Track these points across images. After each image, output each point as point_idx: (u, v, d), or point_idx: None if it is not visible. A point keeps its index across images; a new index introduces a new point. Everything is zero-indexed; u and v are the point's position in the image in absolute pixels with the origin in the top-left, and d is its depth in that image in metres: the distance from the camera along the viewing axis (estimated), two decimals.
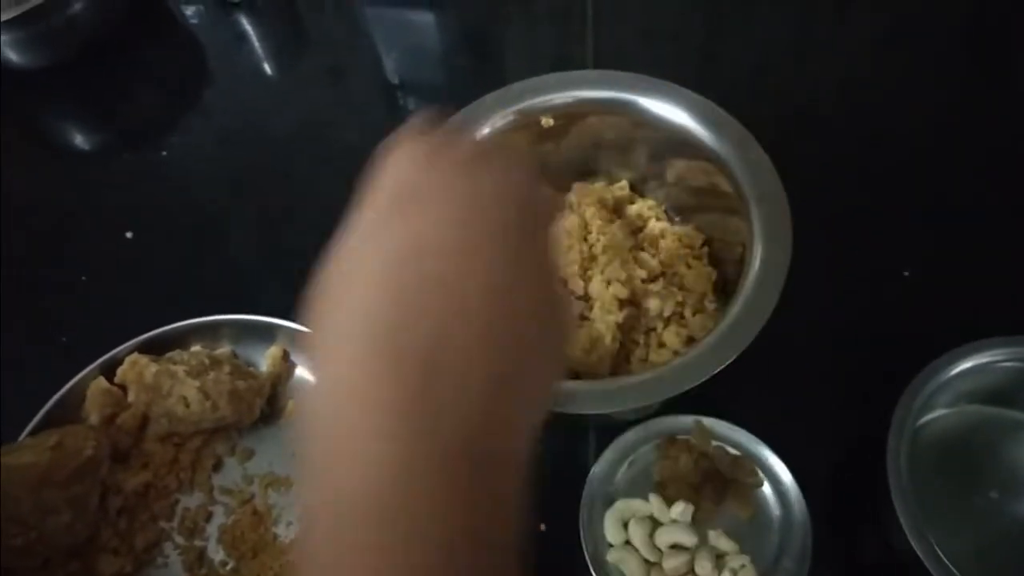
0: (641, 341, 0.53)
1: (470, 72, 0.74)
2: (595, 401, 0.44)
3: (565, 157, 0.58)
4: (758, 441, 0.51)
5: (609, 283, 0.52)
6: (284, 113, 0.72)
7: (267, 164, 0.69)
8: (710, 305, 0.55)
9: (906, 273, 0.58)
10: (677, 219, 0.59)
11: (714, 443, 0.51)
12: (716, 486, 0.49)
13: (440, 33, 0.75)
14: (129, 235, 0.66)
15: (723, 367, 0.43)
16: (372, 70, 0.75)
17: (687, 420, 0.51)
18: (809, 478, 0.49)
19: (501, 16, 0.77)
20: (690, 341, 0.53)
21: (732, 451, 0.51)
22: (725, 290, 0.55)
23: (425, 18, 0.75)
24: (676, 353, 0.52)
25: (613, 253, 0.53)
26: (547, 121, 0.54)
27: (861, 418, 0.50)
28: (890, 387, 0.48)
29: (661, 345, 0.53)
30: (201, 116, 0.74)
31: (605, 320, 0.51)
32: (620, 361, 0.52)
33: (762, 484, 0.50)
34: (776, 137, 0.51)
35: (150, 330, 0.55)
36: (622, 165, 0.59)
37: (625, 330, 0.52)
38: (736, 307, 0.45)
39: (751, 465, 0.50)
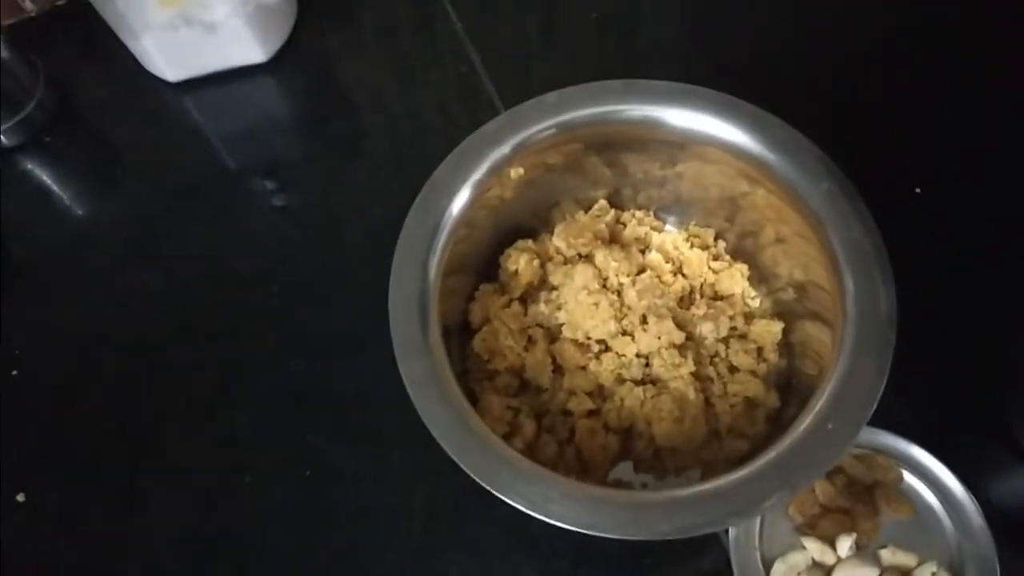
0: (712, 374, 0.46)
1: (340, 138, 0.61)
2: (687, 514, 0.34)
3: (524, 200, 0.48)
4: (875, 430, 0.45)
5: (660, 335, 0.44)
6: (132, 274, 0.55)
7: (131, 356, 0.52)
8: (753, 303, 0.48)
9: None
10: (670, 219, 0.52)
11: None
12: (864, 500, 0.43)
13: (289, 99, 0.61)
14: None
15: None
16: (220, 171, 0.60)
17: None
18: (946, 449, 0.44)
19: (359, 62, 0.64)
20: (761, 353, 0.46)
21: (856, 452, 0.45)
22: (763, 280, 0.48)
23: (264, 85, 0.61)
24: (754, 374, 0.45)
25: (650, 297, 0.44)
26: (516, 172, 0.44)
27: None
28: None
29: (734, 370, 0.46)
30: (18, 308, 0.55)
31: (679, 375, 0.43)
32: (706, 413, 0.44)
33: (902, 476, 0.44)
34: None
35: None
36: (583, 185, 0.50)
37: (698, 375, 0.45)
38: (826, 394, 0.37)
39: (884, 459, 0.44)
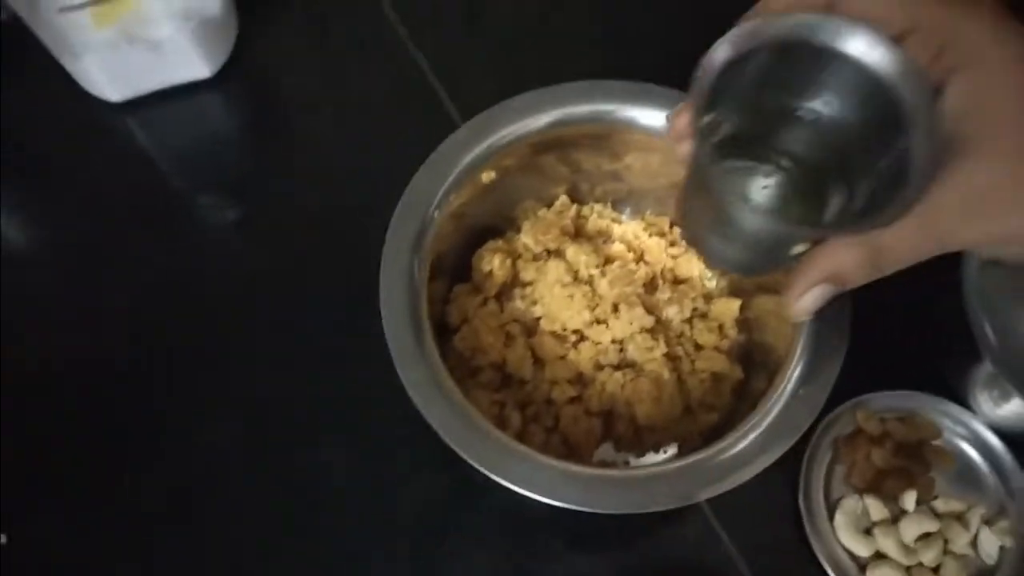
0: (681, 353, 0.49)
1: (292, 147, 0.61)
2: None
3: (489, 202, 0.50)
4: (898, 395, 0.49)
5: (632, 321, 0.47)
6: (87, 305, 0.54)
7: (100, 390, 0.52)
8: (709, 283, 0.52)
9: None
10: (626, 211, 0.54)
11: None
12: (916, 458, 0.47)
13: (236, 112, 0.61)
14: None
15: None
16: (170, 190, 0.59)
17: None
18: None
19: (305, 70, 0.63)
20: (722, 329, 0.50)
21: (889, 416, 0.49)
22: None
23: (210, 100, 0.60)
24: (718, 349, 0.49)
25: (621, 285, 0.47)
26: (488, 175, 0.46)
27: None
28: None
29: (699, 348, 0.49)
30: None
31: (653, 357, 0.46)
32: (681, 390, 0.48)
33: (941, 431, 0.48)
34: None
35: None
36: (543, 184, 0.53)
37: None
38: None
39: (921, 419, 0.48)
